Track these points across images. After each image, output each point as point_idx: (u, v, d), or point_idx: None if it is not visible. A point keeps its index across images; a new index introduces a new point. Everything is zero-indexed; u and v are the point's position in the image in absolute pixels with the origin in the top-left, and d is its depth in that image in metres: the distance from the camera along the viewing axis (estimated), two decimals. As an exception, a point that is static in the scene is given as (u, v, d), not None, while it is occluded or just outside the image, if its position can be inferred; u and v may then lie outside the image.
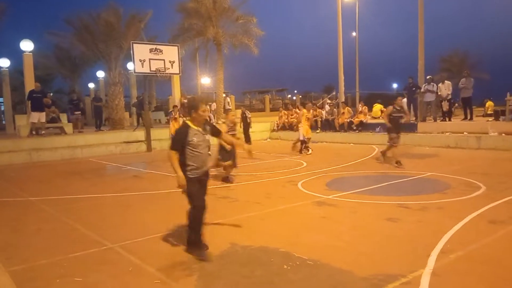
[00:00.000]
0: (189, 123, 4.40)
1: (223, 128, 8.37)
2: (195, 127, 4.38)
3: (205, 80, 34.40)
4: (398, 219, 5.64)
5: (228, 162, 8.91)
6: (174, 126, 15.02)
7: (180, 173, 4.27)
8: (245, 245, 4.72)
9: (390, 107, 10.60)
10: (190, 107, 4.37)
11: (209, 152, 4.68)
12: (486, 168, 9.67)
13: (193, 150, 4.32)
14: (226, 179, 8.99)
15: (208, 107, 8.33)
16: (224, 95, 25.18)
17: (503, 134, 13.25)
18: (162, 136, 17.61)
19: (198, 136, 4.36)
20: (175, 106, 16.92)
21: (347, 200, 6.91)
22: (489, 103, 24.59)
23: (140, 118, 21.68)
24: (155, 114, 28.97)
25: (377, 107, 22.76)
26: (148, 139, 17.14)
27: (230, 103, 26.39)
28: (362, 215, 5.95)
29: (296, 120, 16.53)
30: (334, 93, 23.35)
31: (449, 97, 16.55)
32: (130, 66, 22.56)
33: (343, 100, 21.33)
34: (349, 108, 20.24)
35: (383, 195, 7.17)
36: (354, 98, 33.10)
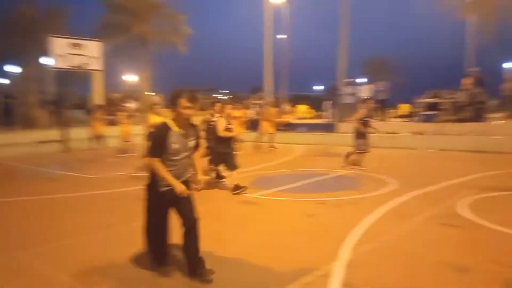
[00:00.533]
0: (169, 123, 3.59)
1: (220, 124, 7.37)
2: (177, 129, 3.58)
3: (132, 78, 33.17)
4: (315, 215, 5.87)
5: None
6: (97, 126, 14.29)
7: (175, 180, 3.54)
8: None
9: (362, 111, 9.80)
10: (170, 101, 3.58)
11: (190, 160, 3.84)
12: (398, 165, 10.44)
13: (170, 158, 3.58)
14: (237, 189, 7.32)
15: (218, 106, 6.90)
16: (151, 94, 24.50)
17: (414, 134, 14.37)
18: (82, 135, 16.66)
19: (179, 140, 3.58)
20: (100, 106, 16.09)
21: (270, 198, 7.05)
22: (403, 105, 26.57)
23: (58, 116, 20.35)
24: (74, 113, 27.34)
25: (302, 107, 23.55)
26: (65, 139, 16.13)
27: (158, 103, 25.72)
28: (283, 212, 6.12)
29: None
30: (261, 93, 23.77)
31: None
32: (47, 61, 21.12)
33: (270, 100, 21.74)
34: (277, 108, 20.67)
35: (303, 192, 7.43)
36: (280, 98, 33.92)
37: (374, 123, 10.50)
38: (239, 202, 6.82)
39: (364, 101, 10.15)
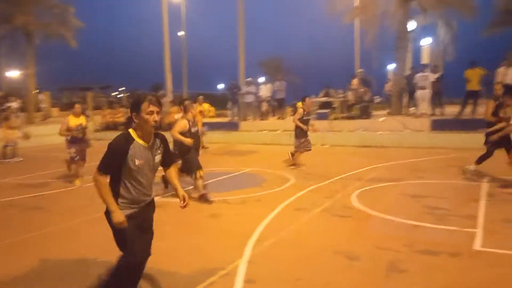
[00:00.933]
0: (132, 133, 2.99)
1: (181, 125, 6.60)
2: (140, 141, 3.00)
3: (13, 74, 29.92)
4: (220, 214, 5.96)
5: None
6: (4, 132, 12.63)
7: (115, 207, 2.95)
8: (59, 259, 4.30)
9: (301, 110, 9.68)
10: (131, 107, 3.00)
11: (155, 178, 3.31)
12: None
13: (131, 175, 2.98)
14: (203, 198, 6.73)
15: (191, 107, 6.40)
16: (37, 91, 22.42)
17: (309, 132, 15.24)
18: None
19: (142, 154, 2.98)
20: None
21: (173, 200, 6.93)
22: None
23: None
24: None
25: (204, 106, 23.48)
26: None
27: (44, 101, 23.66)
28: (187, 214, 6.06)
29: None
30: (162, 91, 23.16)
31: (268, 98, 18.34)
32: None
33: (171, 99, 21.32)
34: (177, 107, 20.34)
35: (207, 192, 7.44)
36: (181, 97, 33.46)
37: (313, 121, 10.63)
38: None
39: (303, 99, 9.88)
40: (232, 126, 17.63)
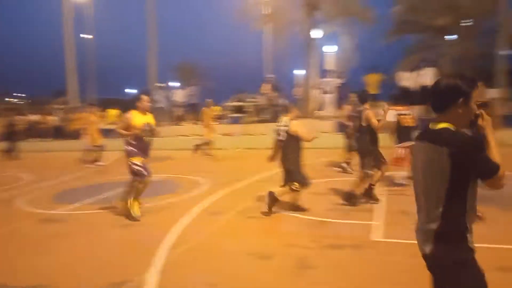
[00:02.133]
0: None
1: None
2: None
3: None
4: (129, 223, 5.70)
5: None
6: None
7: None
8: None
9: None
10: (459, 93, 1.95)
11: None
12: (210, 166, 10.95)
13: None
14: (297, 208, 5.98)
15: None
16: None
17: (224, 135, 15.33)
18: None
19: None
20: None
21: (78, 212, 6.53)
22: (215, 108, 28.01)
23: None
24: None
25: (113, 112, 22.51)
26: None
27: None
28: (93, 226, 5.73)
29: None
30: (64, 97, 21.71)
31: (183, 103, 18.10)
32: None
33: (76, 105, 20.07)
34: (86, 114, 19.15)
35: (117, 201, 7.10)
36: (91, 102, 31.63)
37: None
38: (41, 221, 6.08)
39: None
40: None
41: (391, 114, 7.14)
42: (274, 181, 8.22)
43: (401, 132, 7.30)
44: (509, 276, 3.54)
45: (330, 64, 17.81)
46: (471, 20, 15.92)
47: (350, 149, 8.66)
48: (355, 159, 7.41)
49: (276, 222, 5.54)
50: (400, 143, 7.24)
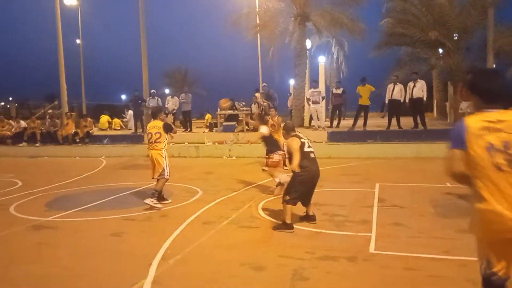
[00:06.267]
0: None
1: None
2: None
3: None
4: (122, 232, 5.65)
5: None
6: None
7: None
8: None
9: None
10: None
11: None
12: (204, 174, 10.92)
13: None
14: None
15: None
16: None
17: (216, 143, 15.31)
18: None
19: None
20: None
21: (69, 220, 6.45)
22: (208, 116, 27.98)
23: None
24: None
25: (104, 118, 22.35)
26: None
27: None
28: (85, 234, 5.68)
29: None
30: (56, 102, 21.52)
31: (174, 111, 18.08)
32: None
33: (66, 110, 19.90)
34: (73, 119, 19.02)
35: (108, 209, 7.05)
36: (80, 108, 31.44)
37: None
38: (32, 228, 6.00)
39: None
40: (136, 139, 17.00)
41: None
42: (264, 190, 8.27)
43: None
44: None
45: (321, 74, 17.94)
46: (460, 34, 16.20)
47: None
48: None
49: (270, 232, 5.53)
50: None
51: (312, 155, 5.68)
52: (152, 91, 17.83)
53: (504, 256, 2.33)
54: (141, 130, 17.68)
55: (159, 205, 6.89)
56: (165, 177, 7.19)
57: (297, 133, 5.89)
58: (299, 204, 5.68)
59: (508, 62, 19.04)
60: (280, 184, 7.48)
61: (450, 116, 17.29)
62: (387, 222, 5.76)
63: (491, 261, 2.36)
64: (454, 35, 16.27)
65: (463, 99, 13.77)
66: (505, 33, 15.80)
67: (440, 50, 17.09)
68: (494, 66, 15.81)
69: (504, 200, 2.19)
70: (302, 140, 5.62)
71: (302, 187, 5.50)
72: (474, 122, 2.34)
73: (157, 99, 17.40)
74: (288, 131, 5.91)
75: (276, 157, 7.82)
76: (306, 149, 5.58)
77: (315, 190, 5.84)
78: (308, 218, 5.85)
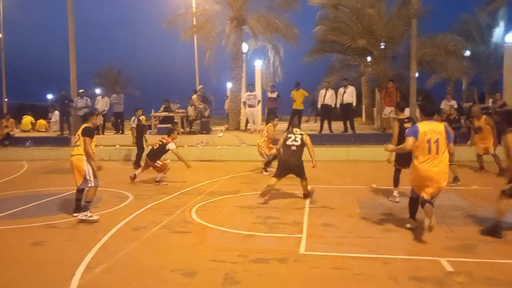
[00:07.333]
0: None
1: None
2: None
3: None
4: (45, 241, 5.29)
5: None
6: None
7: None
8: None
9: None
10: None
11: None
12: (137, 178, 10.52)
13: None
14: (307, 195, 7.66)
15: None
16: None
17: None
18: None
19: None
20: None
21: (-16, 229, 5.91)
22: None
23: None
24: None
25: (27, 119, 20.89)
26: None
27: None
28: (4, 244, 5.25)
29: None
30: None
31: (105, 112, 17.27)
32: None
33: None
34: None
35: (30, 217, 6.58)
36: (1, 107, 29.07)
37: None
38: None
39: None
40: (62, 142, 16.03)
41: None
42: (198, 194, 8.18)
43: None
44: (423, 286, 3.81)
45: (257, 78, 18.18)
46: (387, 43, 17.14)
47: None
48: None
49: (202, 237, 5.46)
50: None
51: (293, 148, 7.41)
52: (80, 90, 16.93)
53: (423, 187, 5.07)
54: (67, 132, 16.73)
55: (95, 217, 6.22)
56: (90, 185, 6.32)
57: (291, 131, 7.75)
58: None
59: (429, 71, 20.53)
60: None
61: (377, 121, 18.24)
62: (318, 223, 5.94)
63: (416, 190, 5.23)
64: (381, 44, 17.19)
65: (386, 105, 14.65)
66: (427, 43, 16.96)
67: (369, 58, 17.97)
68: (417, 74, 16.94)
69: (426, 163, 4.99)
70: (289, 135, 7.57)
71: (279, 167, 7.61)
72: (421, 125, 5.12)
73: (86, 99, 16.57)
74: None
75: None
76: (288, 142, 7.45)
77: (251, 193, 5.85)
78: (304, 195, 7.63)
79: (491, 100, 15.61)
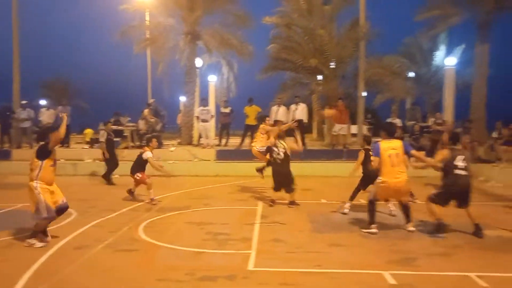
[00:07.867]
0: None
1: None
2: None
3: None
4: (-25, 263, 4.89)
5: None
6: None
7: None
8: None
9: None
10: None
11: None
12: (81, 194, 10.05)
13: None
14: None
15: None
16: None
17: (97, 161, 14.32)
18: None
19: None
20: None
21: None
22: (88, 131, 26.00)
23: None
24: None
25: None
26: None
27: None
28: None
29: None
30: None
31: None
32: None
33: None
34: None
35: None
36: None
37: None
38: None
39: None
40: (2, 155, 15.09)
41: None
42: (146, 210, 7.94)
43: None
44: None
45: (211, 93, 18.14)
46: (335, 63, 17.77)
47: None
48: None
49: (149, 255, 5.29)
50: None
51: (278, 161, 8.23)
52: (23, 102, 16.09)
53: (385, 196, 6.42)
54: (7, 145, 15.79)
55: (43, 243, 5.55)
56: (42, 217, 5.51)
57: (277, 142, 8.34)
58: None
59: (376, 91, 21.47)
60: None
61: (327, 137, 18.71)
62: (268, 239, 5.94)
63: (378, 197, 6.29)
64: (332, 63, 17.79)
65: (336, 122, 15.10)
66: (374, 64, 17.76)
67: (319, 77, 18.52)
68: (365, 93, 17.62)
69: (390, 177, 5.94)
70: (273, 148, 8.33)
71: (273, 179, 8.43)
72: (383, 143, 6.16)
73: (28, 111, 15.75)
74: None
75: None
76: (274, 155, 8.27)
77: (202, 209, 5.76)
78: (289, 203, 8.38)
79: (432, 119, 16.52)
